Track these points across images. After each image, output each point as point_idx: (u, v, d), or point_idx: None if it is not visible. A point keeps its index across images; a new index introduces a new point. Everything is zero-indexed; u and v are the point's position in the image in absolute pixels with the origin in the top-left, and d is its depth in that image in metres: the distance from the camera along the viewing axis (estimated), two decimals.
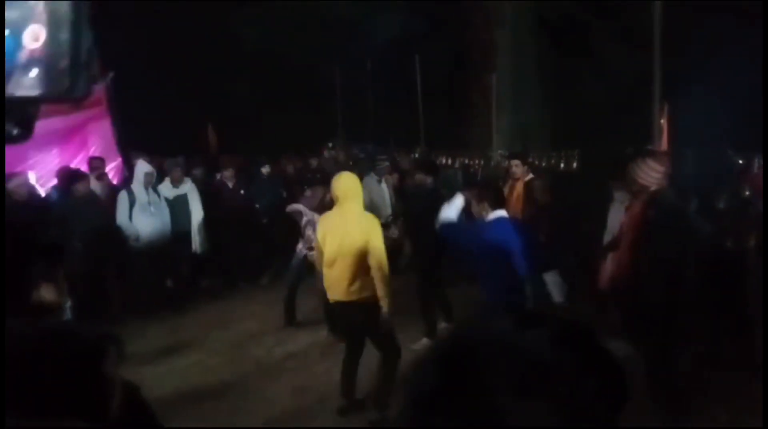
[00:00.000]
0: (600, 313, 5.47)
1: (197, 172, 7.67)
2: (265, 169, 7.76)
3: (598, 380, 0.58)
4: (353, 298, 3.77)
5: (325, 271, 3.89)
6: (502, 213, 3.77)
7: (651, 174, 3.78)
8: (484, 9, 11.11)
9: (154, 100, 11.62)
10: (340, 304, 3.88)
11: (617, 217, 4.96)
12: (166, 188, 6.72)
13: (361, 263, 3.71)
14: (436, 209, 4.04)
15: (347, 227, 3.75)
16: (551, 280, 3.80)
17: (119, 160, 7.66)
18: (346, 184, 3.87)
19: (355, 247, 3.70)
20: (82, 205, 5.71)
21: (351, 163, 10.27)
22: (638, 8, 7.35)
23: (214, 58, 13.56)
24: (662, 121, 6.40)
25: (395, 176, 7.94)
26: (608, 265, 5.13)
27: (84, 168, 6.61)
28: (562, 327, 0.62)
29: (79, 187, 5.80)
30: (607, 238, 5.22)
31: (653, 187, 3.75)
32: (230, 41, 13.46)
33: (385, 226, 5.80)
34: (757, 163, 4.72)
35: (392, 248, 6.88)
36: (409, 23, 12.45)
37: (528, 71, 11.13)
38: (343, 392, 4.00)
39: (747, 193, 4.37)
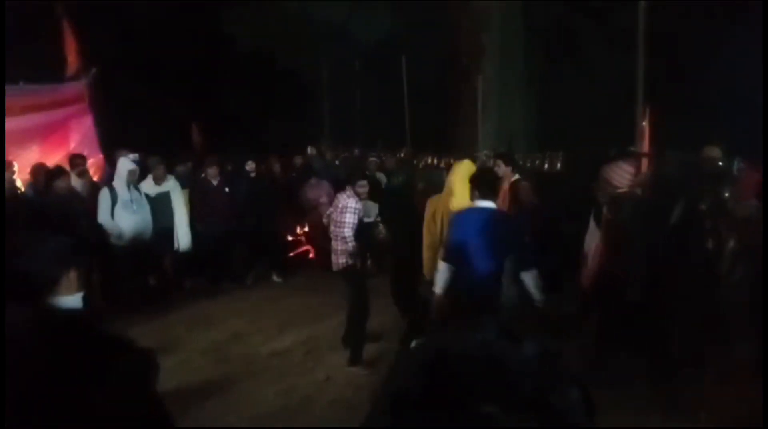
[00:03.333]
0: (582, 312, 5.54)
1: (181, 169, 7.59)
2: (249, 167, 7.70)
3: (579, 393, 0.59)
4: None
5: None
6: (488, 204, 3.78)
7: (624, 175, 4.02)
8: (471, 11, 11.16)
9: (140, 97, 11.50)
10: None
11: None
12: (149, 186, 6.65)
13: None
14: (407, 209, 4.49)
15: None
16: (530, 279, 3.79)
17: (100, 156, 7.56)
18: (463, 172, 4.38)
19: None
20: (62, 202, 5.63)
21: (337, 162, 10.27)
22: (624, 12, 7.45)
23: (202, 56, 13.47)
24: (644, 123, 6.51)
25: (383, 176, 7.98)
26: (589, 266, 5.21)
27: (64, 165, 6.50)
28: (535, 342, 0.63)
29: (60, 184, 5.71)
30: (589, 238, 5.28)
31: (625, 189, 3.98)
32: (220, 40, 13.39)
33: (373, 225, 5.81)
34: (736, 165, 4.80)
35: (381, 247, 6.90)
36: (396, 25, 12.49)
37: (514, 73, 11.21)
38: None
39: (726, 194, 4.44)
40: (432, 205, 4.64)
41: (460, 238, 3.76)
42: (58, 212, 5.28)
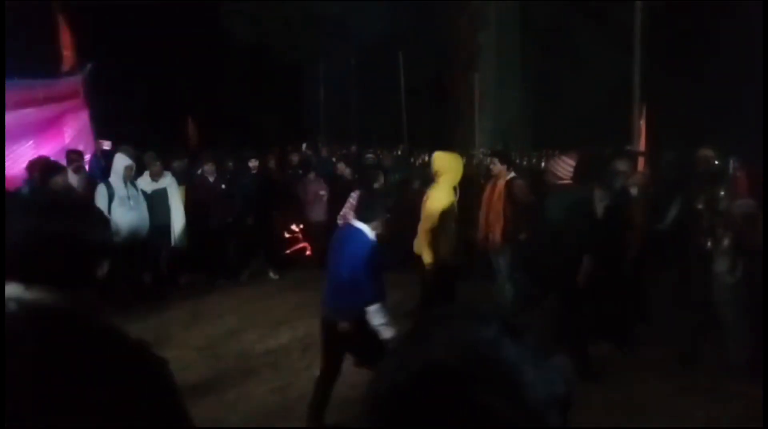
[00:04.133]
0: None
1: (177, 165, 7.56)
2: (253, 164, 7.67)
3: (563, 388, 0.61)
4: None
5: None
6: (359, 225, 3.55)
7: (566, 168, 4.48)
8: (469, 8, 11.15)
9: (137, 92, 11.44)
10: None
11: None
12: (146, 182, 6.62)
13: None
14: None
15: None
16: (372, 314, 3.47)
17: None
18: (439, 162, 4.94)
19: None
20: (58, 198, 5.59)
21: (334, 159, 10.26)
22: (621, 11, 7.46)
23: (199, 50, 13.41)
24: (641, 122, 6.53)
25: (380, 173, 7.97)
26: (587, 264, 5.23)
27: (60, 160, 6.46)
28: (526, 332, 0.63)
29: (57, 180, 5.67)
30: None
31: (568, 180, 4.47)
32: (218, 35, 13.33)
33: None
34: (732, 164, 4.81)
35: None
36: (394, 22, 12.47)
37: (511, 71, 11.22)
38: None
39: (722, 193, 4.46)
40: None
41: (329, 252, 3.64)
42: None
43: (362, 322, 3.48)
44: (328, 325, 3.60)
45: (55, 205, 1.24)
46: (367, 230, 3.53)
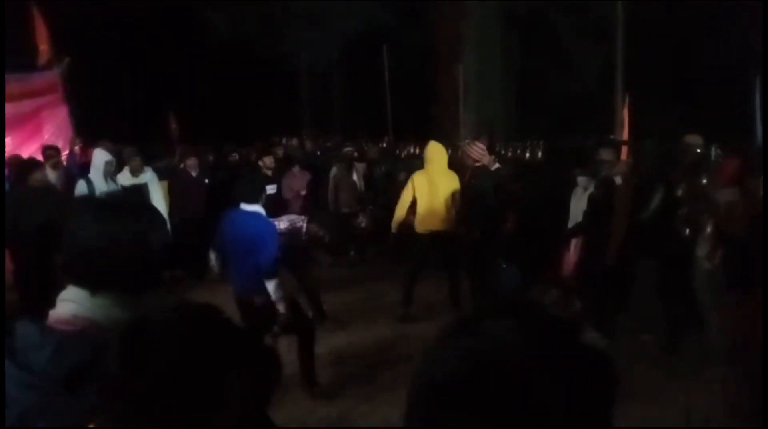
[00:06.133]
0: (564, 301, 5.60)
1: (166, 161, 7.49)
2: (233, 158, 7.62)
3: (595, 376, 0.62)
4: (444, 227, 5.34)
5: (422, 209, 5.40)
6: (251, 208, 3.79)
7: (480, 152, 5.29)
8: (451, 1, 11.12)
9: (117, 87, 11.26)
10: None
11: (580, 204, 5.08)
12: (125, 178, 6.53)
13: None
14: None
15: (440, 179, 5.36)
16: (271, 287, 3.82)
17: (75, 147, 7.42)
18: (433, 151, 5.45)
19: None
20: (37, 195, 5.48)
21: (318, 152, 10.21)
22: (602, 2, 7.48)
23: (180, 44, 13.23)
24: (624, 111, 6.57)
25: (363, 166, 7.92)
26: (572, 254, 5.27)
27: (38, 157, 6.34)
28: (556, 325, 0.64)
29: (36, 177, 5.56)
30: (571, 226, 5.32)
31: (479, 163, 5.29)
32: (198, 28, 13.16)
33: (353, 216, 5.79)
34: (713, 153, 4.86)
35: (361, 237, 6.87)
36: (377, 14, 12.39)
37: (494, 63, 11.22)
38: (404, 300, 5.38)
39: (704, 181, 4.49)
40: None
41: (224, 238, 3.92)
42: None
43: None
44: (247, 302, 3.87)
45: (121, 207, 1.21)
46: (262, 211, 3.78)
